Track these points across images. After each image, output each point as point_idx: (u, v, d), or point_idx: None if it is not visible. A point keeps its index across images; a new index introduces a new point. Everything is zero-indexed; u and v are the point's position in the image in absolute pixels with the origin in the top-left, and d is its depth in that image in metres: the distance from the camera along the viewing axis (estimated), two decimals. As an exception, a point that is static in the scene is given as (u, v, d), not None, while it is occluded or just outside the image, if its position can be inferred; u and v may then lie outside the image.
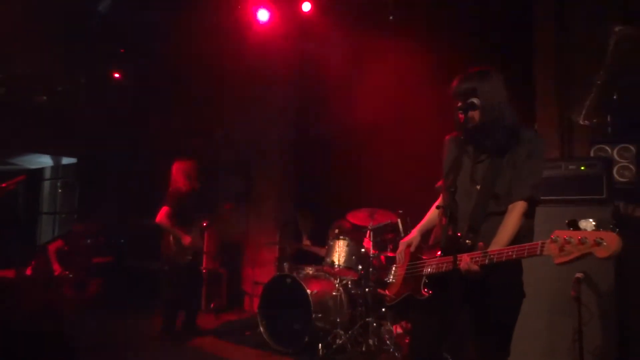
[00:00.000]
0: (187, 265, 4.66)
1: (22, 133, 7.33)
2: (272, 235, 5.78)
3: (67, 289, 5.91)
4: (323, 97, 5.50)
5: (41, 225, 10.90)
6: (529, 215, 2.12)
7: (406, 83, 4.63)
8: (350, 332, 4.22)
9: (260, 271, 6.09)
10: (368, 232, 4.38)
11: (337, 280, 4.51)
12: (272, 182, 6.38)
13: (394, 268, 2.48)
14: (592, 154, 3.54)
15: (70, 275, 5.98)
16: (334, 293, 4.43)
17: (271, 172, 6.42)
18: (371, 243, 4.32)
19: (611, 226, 1.70)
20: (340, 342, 4.15)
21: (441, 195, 2.40)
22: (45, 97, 7.53)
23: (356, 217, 4.57)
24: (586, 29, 3.78)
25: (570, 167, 3.24)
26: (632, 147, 3.44)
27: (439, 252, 2.20)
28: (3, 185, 3.92)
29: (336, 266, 4.47)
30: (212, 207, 5.20)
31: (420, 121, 4.41)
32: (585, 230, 1.72)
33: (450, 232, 2.07)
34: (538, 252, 1.84)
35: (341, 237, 4.58)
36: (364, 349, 4.11)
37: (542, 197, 2.22)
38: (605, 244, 1.66)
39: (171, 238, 4.58)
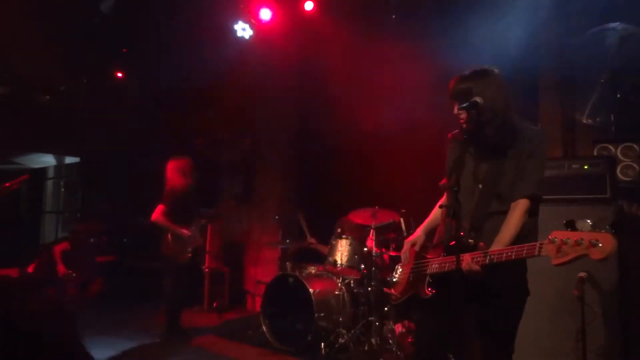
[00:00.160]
0: (187, 263, 4.67)
1: (25, 133, 7.35)
2: (275, 235, 5.78)
3: (70, 288, 5.94)
4: (325, 96, 5.49)
5: (44, 224, 10.93)
6: (532, 213, 2.12)
7: (409, 82, 4.62)
8: (352, 331, 4.22)
9: (263, 270, 6.09)
10: (371, 231, 4.38)
11: (339, 279, 4.51)
12: (274, 181, 6.38)
13: (399, 267, 2.48)
14: (595, 153, 3.54)
15: (74, 275, 6.00)
16: (336, 292, 4.43)
17: (273, 171, 6.42)
18: (374, 242, 4.32)
19: (607, 227, 1.70)
20: (343, 341, 4.15)
21: (445, 194, 2.40)
22: (48, 97, 7.55)
23: (359, 216, 4.56)
24: (590, 27, 3.76)
25: (574, 166, 3.23)
26: (635, 146, 3.43)
27: (443, 252, 2.21)
28: (6, 184, 3.93)
29: (339, 265, 4.47)
30: (213, 206, 5.21)
31: (423, 120, 4.41)
32: (582, 231, 1.73)
33: (453, 232, 2.07)
34: (536, 253, 1.85)
35: (344, 236, 4.58)
36: (366, 348, 4.11)
37: (545, 196, 2.21)
38: (600, 245, 1.67)
39: (170, 236, 4.60)
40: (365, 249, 4.46)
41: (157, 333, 4.74)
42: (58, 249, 6.06)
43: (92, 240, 6.41)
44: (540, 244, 1.84)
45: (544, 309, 3.02)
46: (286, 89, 6.36)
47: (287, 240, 5.16)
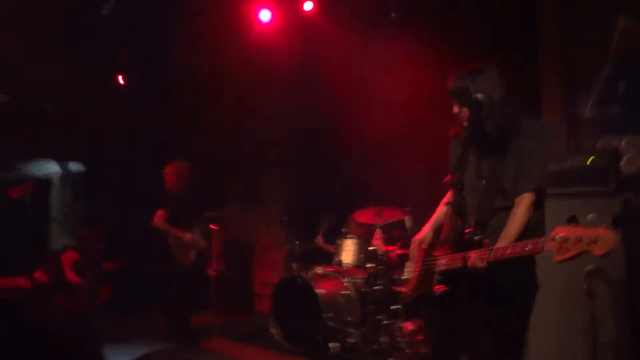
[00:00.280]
0: (192, 266, 4.70)
1: (29, 140, 7.39)
2: (281, 236, 5.79)
3: (79, 295, 5.96)
4: (328, 96, 5.49)
5: (50, 231, 10.98)
6: (537, 206, 2.13)
7: (411, 80, 4.61)
8: (361, 330, 4.22)
9: (270, 272, 6.10)
10: (377, 230, 4.38)
11: (346, 279, 4.51)
12: (279, 182, 6.39)
13: (408, 265, 2.49)
14: (599, 146, 3.52)
15: (82, 282, 6.02)
16: (343, 292, 4.43)
17: (277, 172, 6.43)
18: (380, 240, 4.32)
19: (609, 221, 1.71)
20: (352, 340, 4.16)
21: (449, 191, 2.41)
22: (50, 104, 7.59)
23: (364, 215, 4.57)
24: (591, 21, 3.75)
25: (577, 159, 3.22)
26: (640, 138, 3.40)
27: (450, 249, 2.22)
28: (11, 193, 3.95)
29: (345, 265, 4.47)
30: (218, 208, 5.24)
31: (426, 117, 4.40)
32: (583, 227, 1.73)
33: (458, 229, 2.09)
34: (539, 249, 1.86)
35: (349, 235, 4.58)
36: (376, 347, 4.11)
37: (549, 191, 2.22)
38: (601, 241, 1.67)
39: (171, 240, 4.64)
40: (371, 248, 4.46)
41: (165, 337, 4.76)
42: (67, 257, 6.08)
43: (98, 247, 6.43)
44: (543, 240, 1.85)
45: (552, 303, 3.01)
46: (288, 90, 6.37)
47: (293, 241, 5.17)
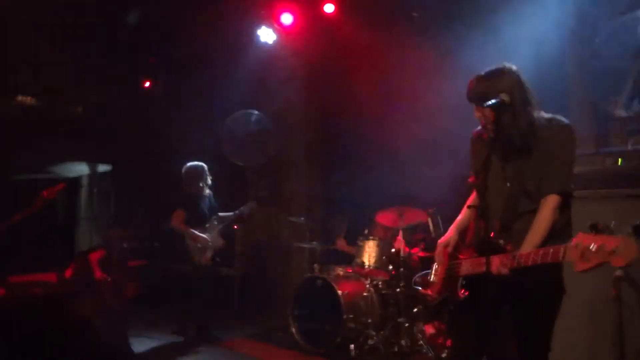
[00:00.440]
0: (211, 267, 4.77)
1: (60, 143, 7.62)
2: (302, 236, 5.81)
3: (106, 292, 6.10)
4: (349, 98, 5.49)
5: (79, 230, 11.29)
6: (563, 208, 2.08)
7: (433, 79, 4.57)
8: (382, 332, 4.20)
9: (291, 272, 6.13)
10: (400, 232, 4.36)
11: (367, 280, 4.50)
12: (301, 183, 6.41)
13: (434, 267, 2.47)
14: (629, 147, 3.42)
15: (109, 279, 6.16)
16: (364, 294, 4.42)
17: (299, 173, 6.45)
18: (403, 242, 4.29)
19: (630, 231, 1.65)
20: (373, 342, 4.14)
21: (473, 193, 2.38)
22: (80, 108, 7.83)
23: (386, 217, 4.55)
24: (616, 18, 3.65)
25: (607, 160, 3.14)
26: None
27: (475, 252, 2.19)
28: (44, 194, 4.08)
29: (366, 266, 4.45)
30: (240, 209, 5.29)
31: (449, 117, 4.35)
32: (605, 235, 1.67)
33: (482, 233, 2.06)
34: (560, 258, 1.82)
35: (371, 237, 4.56)
36: (396, 349, 4.08)
37: (577, 193, 2.17)
38: (620, 252, 1.61)
39: (189, 241, 4.73)
40: (393, 250, 4.43)
41: (187, 334, 4.84)
42: (94, 256, 6.25)
43: (125, 245, 6.58)
44: (565, 248, 1.80)
45: (579, 308, 2.94)
46: (309, 91, 6.39)
47: (315, 242, 5.19)
